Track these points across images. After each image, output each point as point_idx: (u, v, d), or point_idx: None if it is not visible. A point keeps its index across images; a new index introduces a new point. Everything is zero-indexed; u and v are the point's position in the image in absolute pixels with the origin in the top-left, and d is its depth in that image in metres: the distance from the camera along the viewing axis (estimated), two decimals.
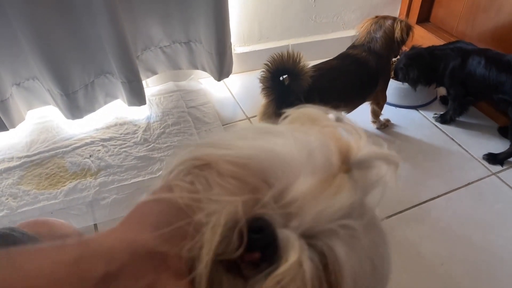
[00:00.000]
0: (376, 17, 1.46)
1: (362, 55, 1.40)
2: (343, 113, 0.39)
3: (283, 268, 0.25)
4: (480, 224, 1.29)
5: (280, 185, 0.29)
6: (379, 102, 1.57)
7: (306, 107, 0.38)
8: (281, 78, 1.18)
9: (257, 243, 0.26)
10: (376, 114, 1.62)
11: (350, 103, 1.44)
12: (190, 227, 0.27)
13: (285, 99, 1.19)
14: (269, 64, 1.15)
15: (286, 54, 1.12)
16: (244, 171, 0.29)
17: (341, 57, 1.42)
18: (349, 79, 1.36)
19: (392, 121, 1.69)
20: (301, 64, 1.15)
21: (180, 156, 0.33)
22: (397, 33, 1.40)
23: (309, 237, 0.28)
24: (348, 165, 0.31)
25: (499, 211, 1.34)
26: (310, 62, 1.40)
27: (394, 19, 1.43)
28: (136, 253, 0.25)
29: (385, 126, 1.67)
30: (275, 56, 1.13)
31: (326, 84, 1.29)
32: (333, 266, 0.28)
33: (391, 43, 1.42)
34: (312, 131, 0.34)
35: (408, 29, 1.42)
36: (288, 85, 1.18)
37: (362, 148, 0.32)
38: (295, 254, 0.26)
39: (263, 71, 1.17)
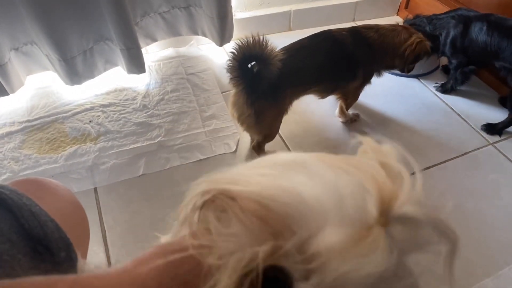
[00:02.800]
0: (403, 27, 1.35)
1: (341, 33, 1.29)
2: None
3: None
4: (474, 193, 1.31)
5: (304, 234, 0.25)
6: (348, 99, 1.45)
7: (377, 142, 0.32)
8: (249, 66, 1.11)
9: None
10: (342, 109, 1.51)
11: (322, 85, 1.33)
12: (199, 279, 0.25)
13: (256, 87, 1.13)
14: (235, 51, 1.06)
15: (252, 40, 1.03)
16: (267, 212, 0.26)
17: (317, 34, 1.30)
18: (321, 56, 1.26)
19: (392, 90, 1.68)
20: (269, 48, 1.06)
21: (198, 188, 0.30)
22: (406, 48, 1.30)
23: None
24: (387, 218, 0.26)
25: (493, 180, 1.35)
26: (313, 28, 1.37)
27: (412, 34, 1.32)
28: None
29: (352, 121, 1.55)
30: (240, 43, 1.04)
31: (296, 65, 1.20)
32: None
33: (392, 49, 1.32)
34: (349, 168, 0.29)
35: (419, 51, 1.32)
36: (257, 72, 1.11)
37: (409, 201, 0.26)
38: None
39: (229, 60, 1.09)
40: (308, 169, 0.29)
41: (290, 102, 1.27)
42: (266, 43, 1.04)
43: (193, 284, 0.27)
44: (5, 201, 0.47)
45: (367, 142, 0.33)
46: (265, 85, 1.13)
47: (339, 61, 1.29)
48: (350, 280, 0.24)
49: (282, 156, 0.31)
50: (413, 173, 0.29)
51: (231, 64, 1.09)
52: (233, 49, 1.06)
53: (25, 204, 0.48)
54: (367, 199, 0.26)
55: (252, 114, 1.17)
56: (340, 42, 1.28)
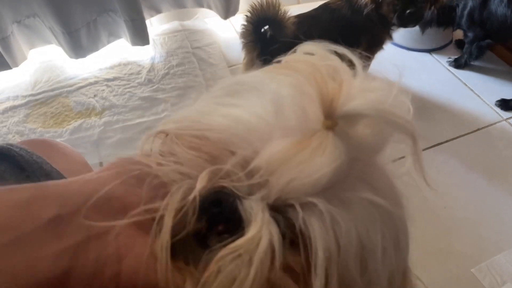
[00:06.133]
0: None
1: (336, 3, 1.28)
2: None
3: (240, 240, 0.23)
4: (486, 170, 1.28)
5: (244, 153, 0.25)
6: None
7: (304, 46, 0.31)
8: (262, 30, 1.09)
9: (219, 216, 0.24)
10: None
11: None
12: (159, 190, 0.25)
13: (271, 53, 1.09)
14: (249, 13, 1.04)
15: (265, 2, 1.01)
16: (202, 141, 0.26)
17: (315, 8, 1.30)
18: (325, 26, 1.24)
19: (403, 65, 1.64)
20: (282, 10, 1.04)
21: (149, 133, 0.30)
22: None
23: (281, 209, 0.24)
24: (333, 119, 0.24)
25: (506, 157, 1.32)
26: (321, 1, 1.33)
27: None
28: (91, 197, 0.23)
29: None
30: (254, 4, 1.03)
31: (308, 31, 1.18)
32: (306, 244, 0.24)
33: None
34: (287, 79, 0.27)
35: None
36: (271, 37, 1.09)
37: (354, 96, 0.24)
38: (255, 227, 0.23)
39: (243, 25, 1.07)
40: (253, 88, 0.28)
41: None
42: (279, 5, 1.03)
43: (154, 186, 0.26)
44: (14, 158, 0.46)
45: (292, 55, 0.31)
46: (280, 50, 1.10)
47: (340, 30, 1.27)
48: (299, 187, 0.23)
49: (233, 81, 0.30)
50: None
51: (245, 28, 1.07)
52: (248, 11, 1.04)
53: (35, 161, 0.48)
54: (308, 103, 0.25)
55: None
56: (337, 12, 1.26)
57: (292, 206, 0.24)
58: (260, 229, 0.23)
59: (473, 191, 1.22)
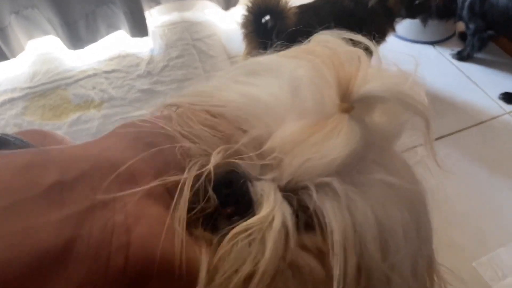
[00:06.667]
0: None
1: None
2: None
3: (253, 219, 0.22)
4: (489, 163, 1.27)
5: (257, 132, 0.24)
6: None
7: (319, 34, 0.30)
8: (263, 21, 1.07)
9: (229, 197, 0.23)
10: None
11: None
12: (170, 160, 0.24)
13: (271, 44, 1.10)
14: (250, 3, 1.03)
15: None
16: (218, 119, 0.25)
17: None
18: (327, 17, 1.22)
19: (406, 57, 1.61)
20: (283, 1, 1.03)
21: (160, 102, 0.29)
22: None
23: (294, 191, 0.24)
24: (349, 102, 0.24)
25: (509, 150, 1.31)
26: None
27: None
28: (98, 163, 0.22)
29: None
30: None
31: (309, 22, 1.16)
32: (321, 226, 0.23)
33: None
34: (305, 62, 0.27)
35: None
36: (271, 27, 1.07)
37: (371, 79, 0.24)
38: (267, 207, 0.23)
39: (244, 15, 1.06)
40: (270, 69, 0.28)
41: None
42: None
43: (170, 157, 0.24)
44: (9, 147, 0.45)
45: (314, 39, 0.31)
46: (280, 40, 1.09)
47: (342, 21, 1.25)
48: (313, 169, 0.23)
49: (251, 61, 0.30)
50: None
51: (245, 18, 1.06)
52: (249, 1, 1.03)
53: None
54: (325, 86, 0.25)
55: None
56: (339, 3, 1.25)
57: (305, 188, 0.24)
58: (272, 209, 0.23)
59: (475, 184, 1.21)
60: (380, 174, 0.25)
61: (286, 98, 0.25)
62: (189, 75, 1.51)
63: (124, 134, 0.25)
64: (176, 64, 1.55)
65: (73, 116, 1.35)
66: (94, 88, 1.46)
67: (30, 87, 1.45)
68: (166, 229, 0.22)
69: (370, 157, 0.25)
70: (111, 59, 1.57)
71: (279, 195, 0.23)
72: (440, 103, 1.46)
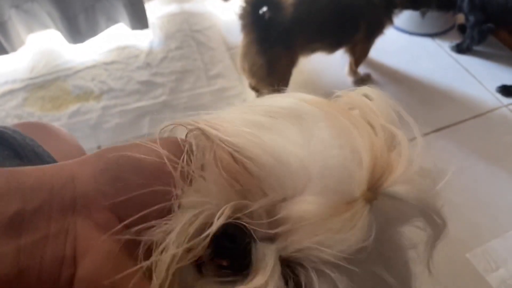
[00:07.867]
0: None
1: None
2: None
3: (244, 286, 0.22)
4: (485, 155, 1.27)
5: (275, 198, 0.23)
6: (355, 54, 1.38)
7: (364, 89, 0.28)
8: (260, 12, 1.08)
9: (227, 251, 0.23)
10: (351, 67, 1.44)
11: (327, 40, 1.28)
12: (155, 197, 0.24)
13: (269, 35, 1.09)
14: None
15: None
16: (241, 168, 0.24)
17: None
18: (322, 11, 1.22)
19: (405, 50, 1.61)
20: None
21: (175, 120, 0.28)
22: None
23: (292, 263, 0.23)
24: (375, 194, 0.23)
25: (506, 143, 1.31)
26: None
27: None
28: (57, 192, 0.22)
29: (363, 81, 1.46)
30: None
31: (306, 11, 1.16)
32: None
33: None
34: (348, 125, 0.25)
35: None
36: (269, 19, 1.08)
37: (404, 178, 0.23)
38: (263, 278, 0.22)
39: (241, 6, 1.06)
40: (304, 122, 0.26)
41: (301, 53, 1.24)
42: None
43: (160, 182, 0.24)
44: (7, 141, 0.46)
45: (351, 96, 0.28)
46: (278, 32, 1.11)
47: (339, 13, 1.24)
48: (319, 253, 0.22)
49: (279, 101, 0.27)
50: (413, 139, 0.25)
51: (243, 9, 1.07)
52: None
53: (28, 144, 0.48)
54: (356, 168, 0.23)
55: (264, 64, 1.14)
56: None
57: (305, 268, 0.23)
58: (267, 281, 0.22)
59: (471, 177, 1.22)
60: (379, 268, 0.24)
61: (314, 169, 0.24)
62: (188, 67, 1.52)
63: (97, 162, 0.25)
64: (175, 56, 1.55)
65: (73, 107, 1.36)
66: (93, 79, 1.46)
67: (30, 79, 1.46)
68: (112, 264, 0.22)
69: (372, 244, 0.24)
70: (110, 51, 1.57)
71: (278, 267, 0.23)
72: (438, 95, 1.46)
